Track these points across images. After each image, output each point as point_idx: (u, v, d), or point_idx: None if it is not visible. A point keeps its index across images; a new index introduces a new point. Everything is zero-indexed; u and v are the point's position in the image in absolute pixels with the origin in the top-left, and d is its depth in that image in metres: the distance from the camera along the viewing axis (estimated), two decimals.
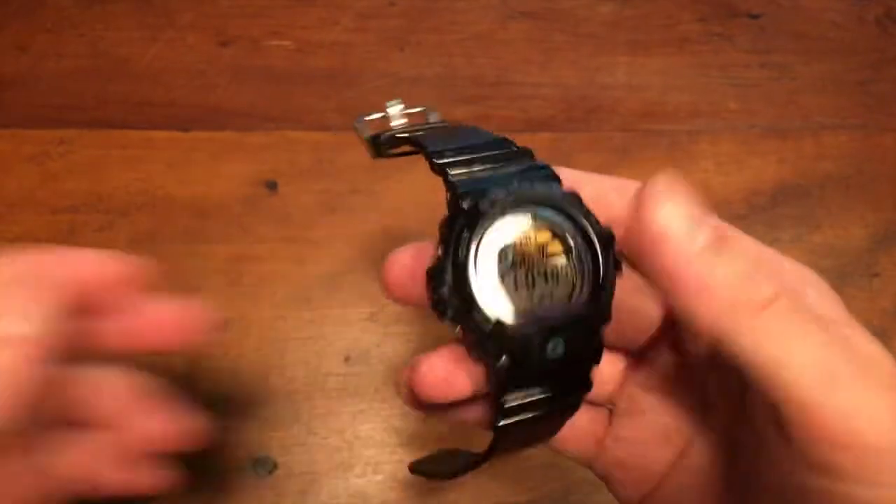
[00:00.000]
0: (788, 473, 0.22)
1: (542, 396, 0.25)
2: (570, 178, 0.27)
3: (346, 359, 0.49)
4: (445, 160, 0.25)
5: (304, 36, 0.59)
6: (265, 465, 0.47)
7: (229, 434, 0.47)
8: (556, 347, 0.25)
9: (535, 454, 0.48)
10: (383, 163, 0.55)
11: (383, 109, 0.29)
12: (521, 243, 0.25)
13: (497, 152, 0.26)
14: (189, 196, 0.53)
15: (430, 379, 0.25)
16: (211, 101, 0.56)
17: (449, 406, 0.26)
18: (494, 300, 0.25)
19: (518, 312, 0.25)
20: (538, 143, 0.27)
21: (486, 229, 0.25)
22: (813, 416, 0.21)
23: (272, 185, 0.53)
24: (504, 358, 0.24)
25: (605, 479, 0.30)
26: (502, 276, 0.25)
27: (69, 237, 0.51)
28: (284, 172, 0.54)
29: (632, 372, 0.30)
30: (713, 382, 0.27)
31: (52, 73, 0.56)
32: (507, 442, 0.26)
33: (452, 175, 0.25)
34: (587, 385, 0.26)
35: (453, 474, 0.30)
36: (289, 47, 0.58)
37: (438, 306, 0.25)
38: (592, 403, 0.30)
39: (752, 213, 0.54)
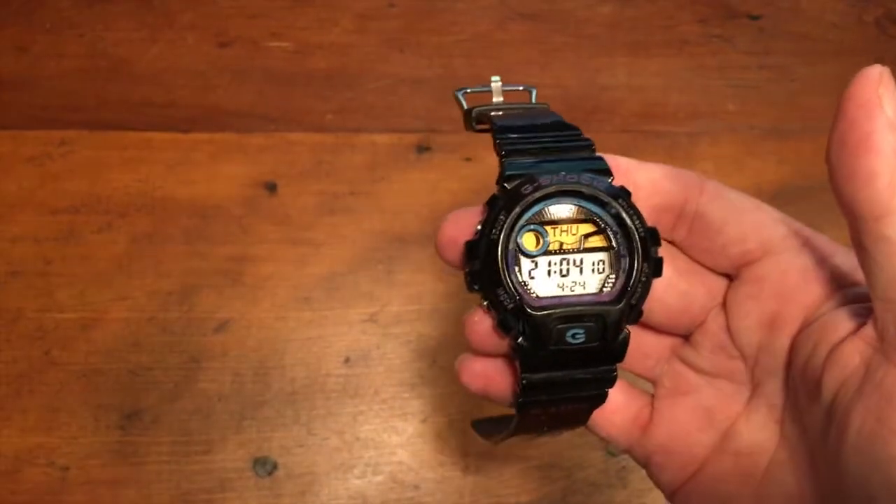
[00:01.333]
0: (880, 412, 0.22)
1: (563, 381, 0.26)
2: (625, 166, 0.28)
3: (346, 360, 0.49)
4: (507, 142, 0.26)
5: (303, 37, 0.59)
6: (265, 466, 0.47)
7: (229, 434, 0.47)
8: (576, 336, 0.25)
9: (535, 454, 0.48)
10: (382, 164, 0.55)
11: (486, 83, 0.30)
12: (560, 231, 0.26)
13: (558, 142, 0.27)
14: (189, 197, 0.53)
15: (480, 328, 0.26)
16: (210, 101, 0.56)
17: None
18: (524, 282, 0.26)
19: (544, 297, 0.26)
20: None
21: (524, 213, 0.25)
22: None
23: (272, 187, 0.53)
24: (521, 338, 0.25)
25: (646, 464, 0.30)
26: (536, 261, 0.26)
27: (69, 237, 0.51)
28: (284, 173, 0.54)
29: (681, 350, 0.30)
30: (767, 362, 0.27)
31: (52, 73, 0.56)
32: (529, 419, 0.27)
33: (507, 156, 0.26)
34: (610, 379, 0.27)
35: (494, 442, 0.31)
36: (288, 48, 0.58)
37: (469, 278, 0.26)
38: (636, 375, 0.31)
39: None
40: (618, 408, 0.30)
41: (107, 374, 0.48)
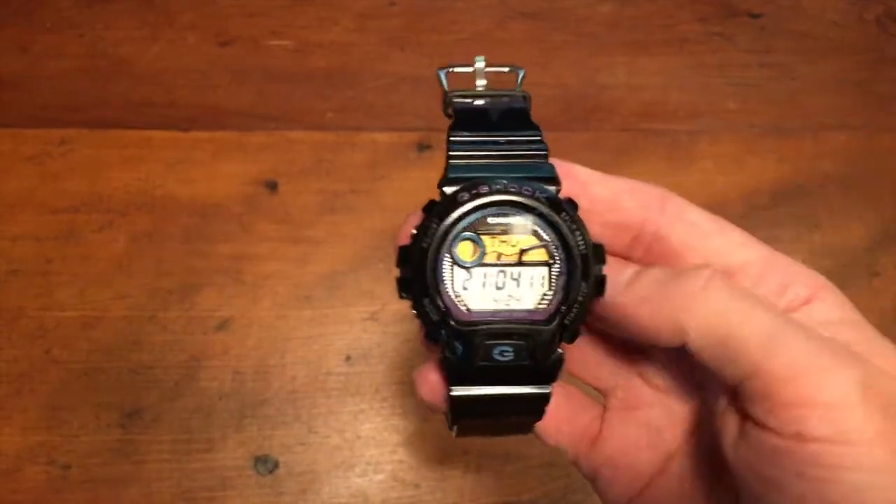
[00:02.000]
0: (769, 460, 0.22)
1: (492, 396, 0.25)
2: (584, 177, 0.26)
3: (347, 358, 0.49)
4: (457, 141, 0.25)
5: (303, 36, 0.59)
6: (266, 464, 0.47)
7: (230, 432, 0.47)
8: (504, 353, 0.24)
9: (535, 454, 0.48)
10: (382, 162, 0.55)
11: (471, 62, 0.28)
12: (499, 242, 0.25)
13: (511, 145, 0.25)
14: (189, 196, 0.53)
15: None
16: (211, 101, 0.56)
17: None
18: (457, 293, 0.25)
19: (475, 310, 0.25)
20: None
21: (459, 221, 0.24)
22: (770, 381, 0.21)
23: (272, 185, 0.53)
24: (446, 351, 0.24)
25: (592, 478, 0.30)
26: (471, 272, 0.25)
27: (69, 236, 0.51)
28: (284, 172, 0.54)
29: (637, 362, 0.29)
30: (718, 386, 0.27)
31: (52, 73, 0.56)
32: (466, 427, 0.27)
33: (453, 157, 0.25)
34: (543, 398, 0.26)
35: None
36: (288, 47, 0.58)
37: (399, 285, 0.25)
38: (588, 385, 0.30)
39: (752, 212, 0.54)
40: (567, 418, 0.29)
41: (107, 372, 0.48)
